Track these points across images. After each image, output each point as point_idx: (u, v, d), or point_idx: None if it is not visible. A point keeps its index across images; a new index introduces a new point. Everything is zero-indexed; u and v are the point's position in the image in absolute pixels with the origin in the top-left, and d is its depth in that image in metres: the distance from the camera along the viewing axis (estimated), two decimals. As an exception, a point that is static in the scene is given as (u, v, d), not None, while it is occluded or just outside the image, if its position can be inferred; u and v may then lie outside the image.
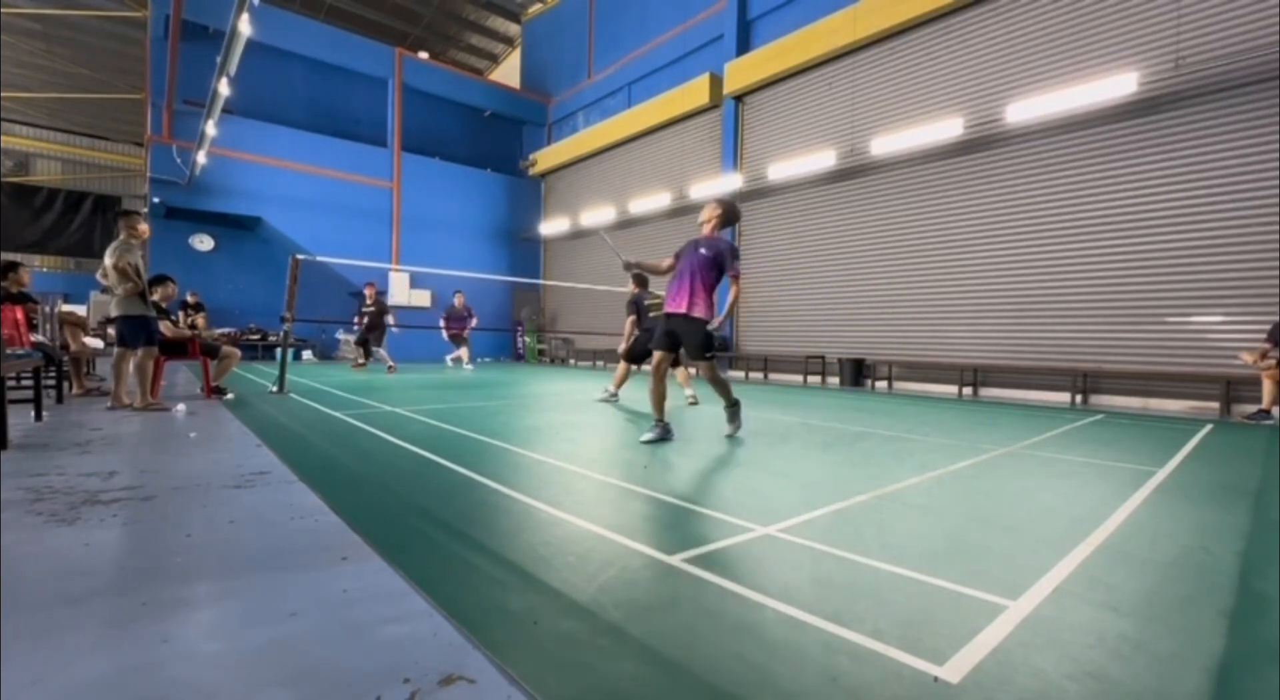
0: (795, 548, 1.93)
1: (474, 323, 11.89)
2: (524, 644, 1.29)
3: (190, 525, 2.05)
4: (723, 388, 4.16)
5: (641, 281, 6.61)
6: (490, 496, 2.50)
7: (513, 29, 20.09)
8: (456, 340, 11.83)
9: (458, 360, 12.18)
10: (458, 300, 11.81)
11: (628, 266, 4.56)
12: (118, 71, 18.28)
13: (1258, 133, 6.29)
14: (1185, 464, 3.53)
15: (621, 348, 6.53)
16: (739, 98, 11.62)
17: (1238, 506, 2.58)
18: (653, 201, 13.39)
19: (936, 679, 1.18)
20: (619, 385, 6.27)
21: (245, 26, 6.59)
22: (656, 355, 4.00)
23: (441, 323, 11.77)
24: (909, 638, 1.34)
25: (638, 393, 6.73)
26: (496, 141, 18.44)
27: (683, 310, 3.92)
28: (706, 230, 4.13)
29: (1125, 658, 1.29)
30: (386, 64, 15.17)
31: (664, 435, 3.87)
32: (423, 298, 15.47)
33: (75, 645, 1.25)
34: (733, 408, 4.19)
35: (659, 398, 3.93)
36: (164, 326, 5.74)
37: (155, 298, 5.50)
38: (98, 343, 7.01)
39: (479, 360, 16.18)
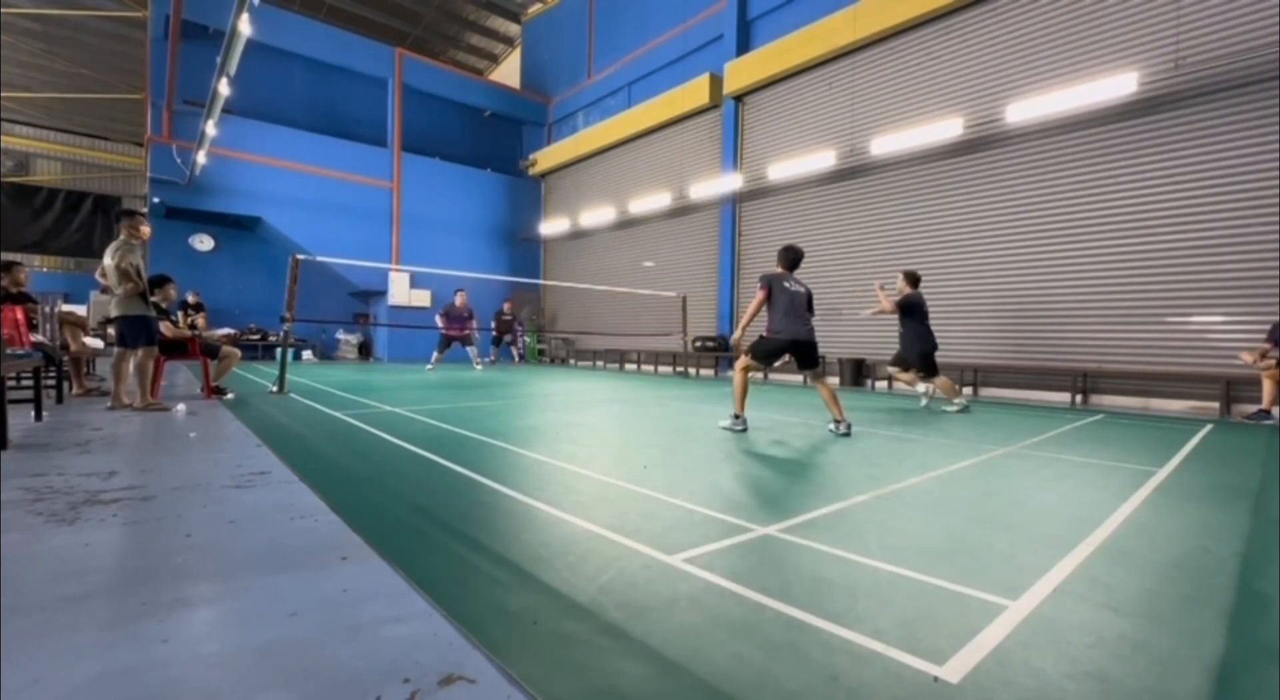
0: (795, 548, 1.93)
1: (474, 325, 11.41)
2: (524, 644, 1.29)
3: (190, 525, 2.05)
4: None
5: (914, 280, 6.34)
6: (490, 496, 2.50)
7: (513, 29, 20.08)
8: (463, 341, 11.37)
9: (479, 360, 11.87)
10: (459, 299, 11.28)
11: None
12: (118, 71, 18.25)
13: (1258, 133, 6.28)
14: (1185, 464, 3.53)
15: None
16: (739, 98, 11.61)
17: (1238, 506, 2.58)
18: (653, 201, 13.38)
19: (936, 679, 1.18)
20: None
21: (245, 26, 6.59)
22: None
23: (438, 320, 11.28)
24: (909, 638, 1.34)
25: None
26: (496, 141, 18.43)
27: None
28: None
29: (1125, 658, 1.29)
30: (386, 64, 15.16)
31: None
32: (423, 298, 15.48)
33: (75, 645, 1.25)
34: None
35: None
36: (164, 326, 5.74)
37: (155, 298, 5.50)
38: (98, 343, 7.01)
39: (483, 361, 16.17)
